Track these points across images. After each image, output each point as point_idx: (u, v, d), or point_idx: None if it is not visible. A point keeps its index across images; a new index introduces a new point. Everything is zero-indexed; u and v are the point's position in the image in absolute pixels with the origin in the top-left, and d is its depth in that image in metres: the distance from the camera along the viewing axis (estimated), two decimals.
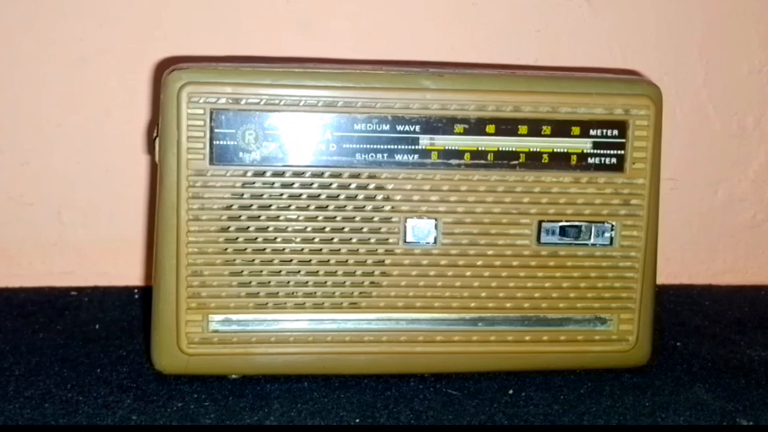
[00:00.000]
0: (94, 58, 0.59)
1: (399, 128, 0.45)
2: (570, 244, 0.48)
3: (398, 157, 0.46)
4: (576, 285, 0.48)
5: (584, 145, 0.47)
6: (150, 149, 0.47)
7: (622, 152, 0.47)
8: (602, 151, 0.47)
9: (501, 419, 0.44)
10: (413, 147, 0.46)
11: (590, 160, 0.47)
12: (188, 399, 0.45)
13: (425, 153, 0.46)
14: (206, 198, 0.45)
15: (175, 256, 0.45)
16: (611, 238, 0.48)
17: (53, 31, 0.59)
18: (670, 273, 0.67)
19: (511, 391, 0.47)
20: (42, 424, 0.42)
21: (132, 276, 0.62)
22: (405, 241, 0.46)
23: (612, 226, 0.48)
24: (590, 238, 0.48)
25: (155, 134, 0.46)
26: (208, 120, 0.44)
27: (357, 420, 0.43)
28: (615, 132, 0.47)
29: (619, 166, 0.47)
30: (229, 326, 0.46)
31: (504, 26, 0.62)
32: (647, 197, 0.48)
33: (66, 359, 0.49)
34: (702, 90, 0.64)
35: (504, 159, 0.46)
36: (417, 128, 0.46)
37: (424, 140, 0.46)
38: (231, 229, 0.45)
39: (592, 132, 0.47)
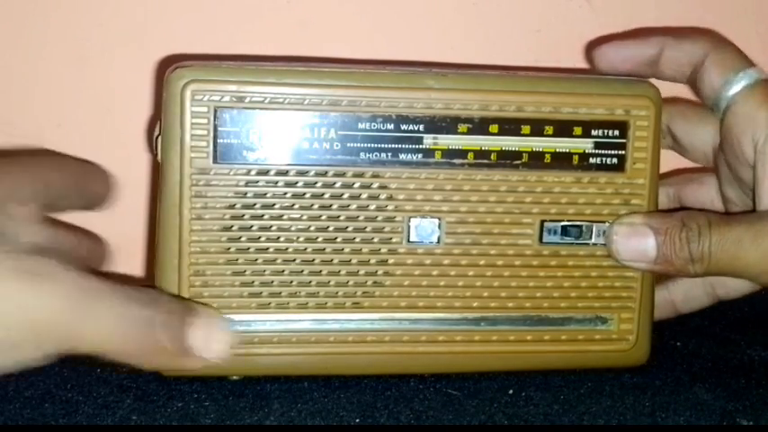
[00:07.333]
0: (95, 57, 0.59)
1: (403, 127, 0.45)
2: (572, 243, 0.48)
3: (402, 157, 0.45)
4: (577, 285, 0.48)
5: (586, 145, 0.47)
6: (152, 148, 0.47)
7: (623, 152, 0.47)
8: (603, 151, 0.47)
9: (501, 419, 0.44)
10: (416, 146, 0.46)
11: (591, 160, 0.47)
12: (188, 399, 0.45)
13: (429, 152, 0.46)
14: (209, 197, 0.45)
15: (177, 256, 0.45)
16: None
17: (53, 30, 0.59)
18: None
19: (511, 391, 0.47)
20: (42, 424, 0.42)
21: (132, 276, 0.62)
22: (408, 241, 0.46)
23: None
24: (591, 237, 0.48)
25: (157, 133, 0.45)
26: (212, 118, 0.44)
27: (357, 420, 0.43)
28: (616, 133, 0.47)
29: (620, 167, 0.47)
30: (231, 326, 0.45)
31: (504, 26, 0.62)
32: (647, 197, 0.48)
33: (66, 359, 0.49)
34: None
35: (507, 159, 0.46)
36: (421, 127, 0.45)
37: (428, 140, 0.46)
38: (234, 228, 0.45)
39: (593, 132, 0.47)
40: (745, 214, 0.48)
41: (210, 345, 0.40)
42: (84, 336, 0.37)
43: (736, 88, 0.47)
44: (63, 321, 0.37)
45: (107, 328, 0.37)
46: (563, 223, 0.47)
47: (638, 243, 0.46)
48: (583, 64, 0.62)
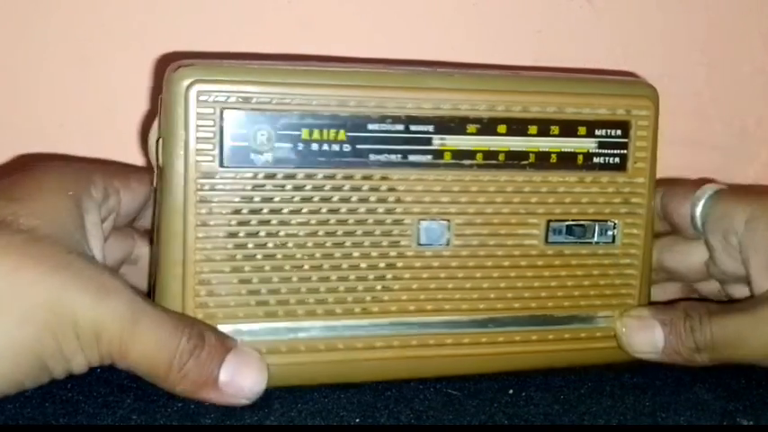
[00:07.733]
0: (97, 57, 0.59)
1: (413, 128, 0.45)
2: (575, 243, 0.48)
3: (411, 158, 0.45)
4: (580, 283, 0.48)
5: (590, 145, 0.47)
6: (146, 151, 0.45)
7: (625, 152, 0.48)
8: (606, 151, 0.47)
9: (501, 419, 0.43)
10: (426, 147, 0.45)
11: (595, 160, 0.47)
12: (188, 399, 0.44)
13: (438, 153, 0.45)
14: (215, 202, 0.43)
15: (181, 264, 0.43)
16: (614, 236, 0.48)
17: (55, 30, 0.58)
18: None
19: (511, 391, 0.47)
20: (42, 423, 0.42)
21: None
22: (418, 243, 0.46)
23: (615, 224, 0.48)
24: (593, 236, 0.48)
25: (156, 136, 0.44)
26: (218, 120, 0.42)
27: (357, 420, 0.43)
28: (618, 132, 0.47)
29: (621, 166, 0.48)
30: (239, 336, 0.44)
31: (504, 26, 0.62)
32: (646, 195, 0.48)
33: None
34: (704, 91, 0.64)
35: (515, 159, 0.46)
36: (430, 128, 0.45)
37: (437, 141, 0.45)
38: (240, 234, 0.43)
39: (597, 132, 0.47)
40: (744, 302, 0.50)
41: (240, 384, 0.42)
42: (131, 351, 0.40)
43: (703, 204, 0.51)
44: (119, 336, 0.40)
45: (148, 349, 0.40)
46: (568, 223, 0.47)
47: (646, 335, 0.48)
48: (583, 64, 0.62)
